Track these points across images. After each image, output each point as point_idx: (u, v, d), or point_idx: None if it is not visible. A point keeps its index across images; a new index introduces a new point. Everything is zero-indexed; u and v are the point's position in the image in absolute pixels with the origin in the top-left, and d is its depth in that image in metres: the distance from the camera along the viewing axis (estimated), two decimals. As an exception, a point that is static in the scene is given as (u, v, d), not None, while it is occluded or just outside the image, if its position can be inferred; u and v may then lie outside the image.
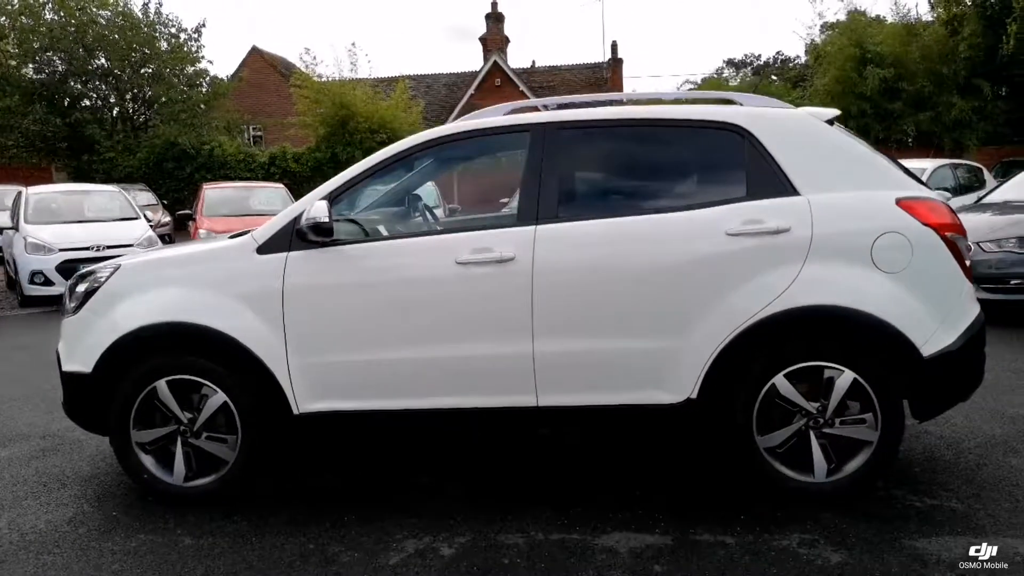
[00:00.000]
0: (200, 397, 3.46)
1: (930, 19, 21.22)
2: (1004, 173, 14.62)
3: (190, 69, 24.06)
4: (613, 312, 3.28)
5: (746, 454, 3.28)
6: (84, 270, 3.86)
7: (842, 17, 22.05)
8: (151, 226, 11.39)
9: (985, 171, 12.60)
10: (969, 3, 19.54)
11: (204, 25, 23.85)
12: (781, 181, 3.28)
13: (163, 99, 23.19)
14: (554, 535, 3.09)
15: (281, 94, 31.21)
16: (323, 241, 3.36)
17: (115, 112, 24.46)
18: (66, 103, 23.09)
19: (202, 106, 23.45)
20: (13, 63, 21.88)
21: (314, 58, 31.02)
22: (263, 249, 3.45)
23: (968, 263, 3.31)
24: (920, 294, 3.19)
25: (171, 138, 22.10)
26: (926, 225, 3.20)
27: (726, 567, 2.80)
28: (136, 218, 11.13)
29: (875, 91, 18.79)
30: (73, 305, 3.64)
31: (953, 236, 3.25)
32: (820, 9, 33.50)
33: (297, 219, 3.42)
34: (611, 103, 3.90)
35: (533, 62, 34.05)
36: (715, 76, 50.14)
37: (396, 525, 3.23)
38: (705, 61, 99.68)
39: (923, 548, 2.87)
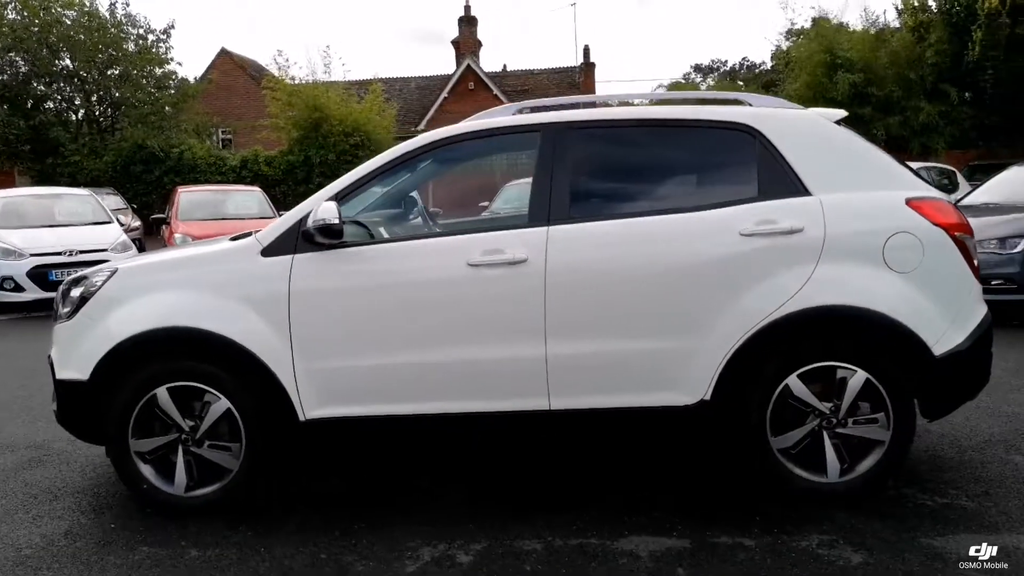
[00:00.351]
0: (202, 404, 3.36)
1: (897, 26, 21.67)
2: (971, 176, 14.93)
3: (159, 71, 23.65)
4: (626, 313, 3.26)
5: (759, 455, 3.27)
6: (76, 274, 3.73)
7: (809, 24, 22.45)
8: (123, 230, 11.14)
9: (958, 174, 12.86)
10: (935, 10, 19.96)
11: (173, 26, 23.50)
12: (792, 181, 3.28)
13: (131, 101, 22.75)
14: (572, 540, 3.05)
15: (251, 96, 30.83)
16: (330, 243, 3.29)
17: (80, 114, 23.97)
18: (29, 105, 22.58)
19: (171, 108, 23.04)
20: (-26, 64, 21.36)
21: (287, 60, 30.67)
22: (268, 251, 3.36)
23: (976, 262, 3.34)
24: (931, 294, 3.21)
25: (139, 141, 21.71)
26: (936, 225, 3.22)
27: (749, 569, 2.78)
28: (109, 222, 10.86)
29: (845, 96, 19.08)
30: (67, 310, 3.52)
31: (962, 236, 3.28)
32: (791, 16, 33.87)
33: (303, 220, 3.34)
34: (586, 105, 3.91)
35: (505, 66, 34.11)
36: (683, 80, 50.73)
37: (408, 532, 3.16)
38: (673, 66, 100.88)
39: (941, 547, 2.88)
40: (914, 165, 12.32)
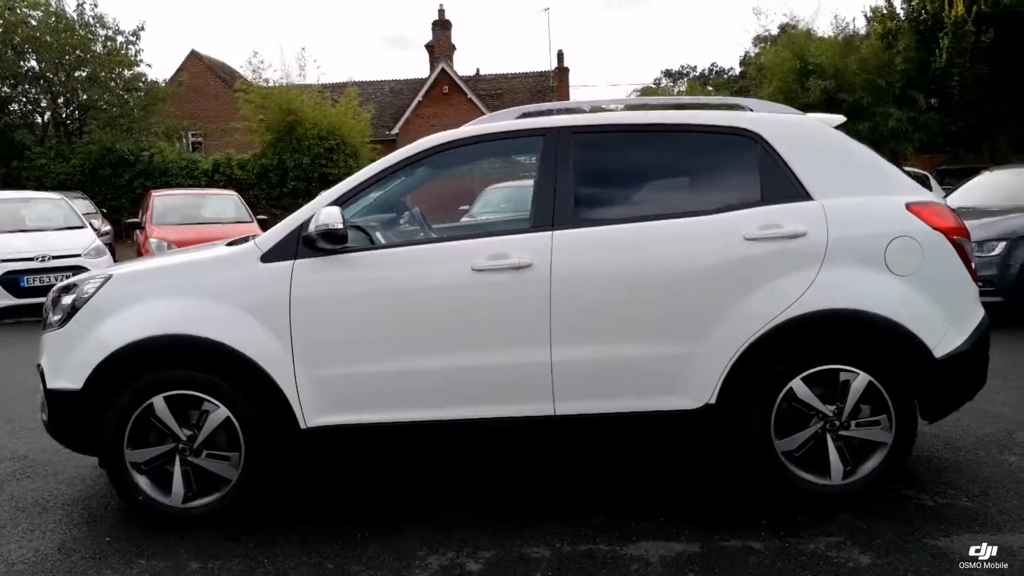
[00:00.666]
0: (200, 413, 3.29)
1: (863, 33, 22.07)
2: (941, 181, 15.23)
3: (128, 73, 23.22)
4: (631, 318, 3.26)
5: (764, 458, 3.29)
6: (66, 281, 3.64)
7: (776, 31, 22.80)
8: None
9: (931, 178, 13.11)
10: (903, 18, 20.37)
11: (143, 28, 23.04)
12: (794, 186, 3.31)
13: (100, 104, 22.31)
14: (580, 546, 3.03)
15: (222, 99, 30.45)
16: (332, 248, 3.24)
17: (47, 117, 23.45)
18: (-7, 107, 22.02)
19: (140, 111, 22.62)
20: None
21: (262, 62, 30.33)
22: (268, 257, 3.31)
23: (973, 265, 3.39)
24: (931, 297, 3.25)
25: (108, 144, 21.28)
26: (935, 229, 3.27)
27: (761, 573, 2.79)
28: (82, 227, 10.63)
29: (817, 102, 19.36)
30: (58, 318, 3.43)
31: (959, 239, 3.33)
32: (764, 23, 34.38)
33: (304, 225, 3.29)
34: (594, 109, 3.91)
35: (478, 70, 34.14)
36: (653, 85, 51.17)
37: (415, 541, 3.12)
38: (644, 71, 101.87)
39: (947, 547, 2.92)
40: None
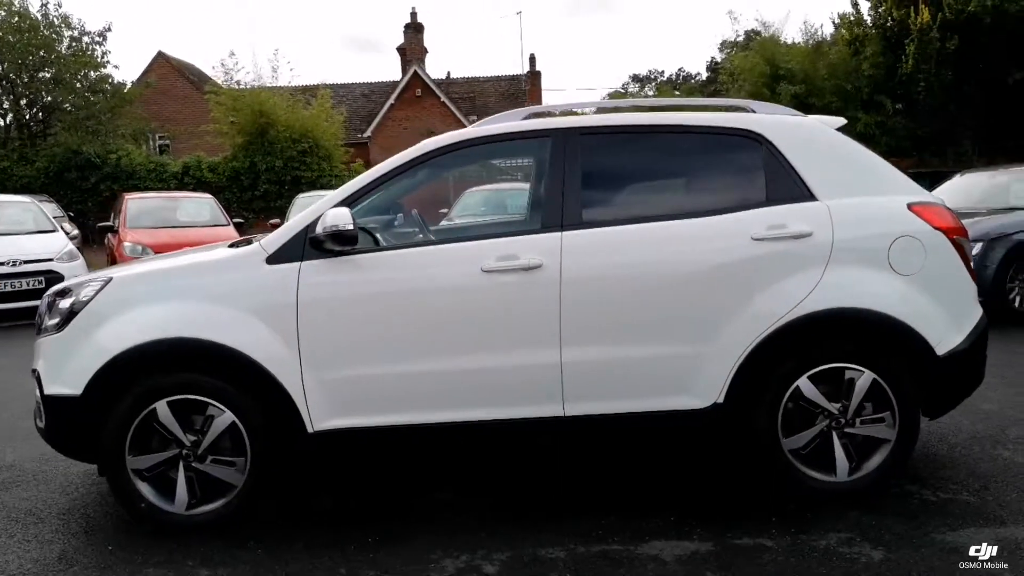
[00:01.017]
0: (205, 418, 3.23)
1: (831, 39, 22.45)
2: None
3: (94, 74, 22.77)
4: (641, 318, 3.27)
5: (771, 456, 3.31)
6: (62, 285, 3.56)
7: (742, 37, 23.15)
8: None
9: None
10: (871, 24, 20.75)
11: (109, 29, 22.64)
12: (799, 187, 3.35)
13: (65, 105, 21.84)
14: (594, 547, 3.03)
15: (189, 101, 30.01)
16: (340, 250, 3.21)
17: (9, 119, 22.91)
18: (-47, 109, 21.48)
19: (107, 113, 22.18)
20: None
21: (236, 63, 29.93)
22: (274, 259, 3.26)
23: (972, 264, 3.46)
24: (933, 295, 3.31)
25: (73, 146, 20.86)
26: (936, 229, 3.33)
27: (776, 570, 2.81)
28: (53, 231, 10.38)
29: (788, 106, 19.65)
30: (55, 322, 3.34)
31: (959, 239, 3.39)
32: (737, 27, 34.84)
33: (310, 227, 3.25)
34: (602, 109, 3.92)
35: (448, 73, 34.03)
36: (621, 90, 51.61)
37: (426, 544, 3.09)
38: (613, 75, 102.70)
39: (954, 541, 2.97)
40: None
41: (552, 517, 3.31)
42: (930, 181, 9.04)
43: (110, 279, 3.32)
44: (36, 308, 3.70)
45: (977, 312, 3.47)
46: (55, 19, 21.85)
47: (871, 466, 3.32)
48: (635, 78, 58.37)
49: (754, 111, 3.59)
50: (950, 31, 18.64)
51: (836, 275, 3.25)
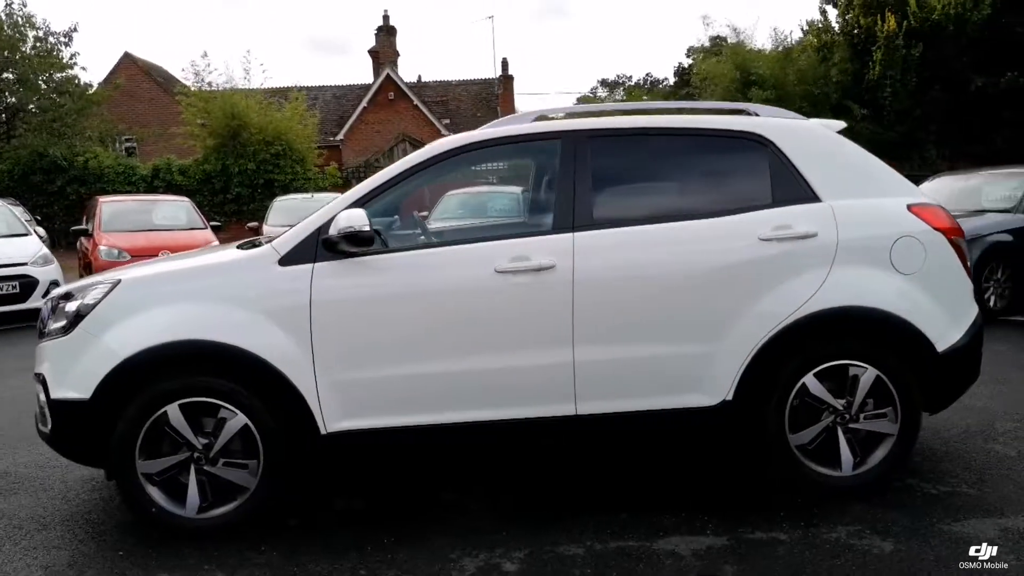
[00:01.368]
0: (217, 421, 3.20)
1: (800, 46, 22.86)
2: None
3: (59, 75, 22.30)
4: (652, 317, 3.32)
5: (779, 452, 3.38)
6: (62, 289, 3.50)
7: (707, 43, 23.47)
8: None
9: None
10: (838, 32, 21.19)
11: (76, 29, 22.18)
12: (803, 188, 3.43)
13: (30, 107, 21.37)
14: (611, 543, 3.07)
15: (157, 103, 29.58)
16: (354, 251, 3.21)
17: (-30, 120, 22.37)
18: (-87, 110, 20.90)
19: (74, 115, 21.74)
20: None
21: (208, 65, 29.53)
22: (286, 260, 3.25)
23: (968, 263, 3.57)
24: (932, 293, 3.41)
25: (39, 149, 20.43)
26: (935, 229, 3.43)
27: (792, 562, 2.87)
28: (27, 234, 10.15)
29: (760, 111, 19.95)
30: (60, 325, 3.29)
31: (956, 239, 3.50)
32: (710, 31, 35.31)
33: (323, 228, 3.25)
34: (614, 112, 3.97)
35: (419, 76, 33.96)
36: (590, 95, 51.99)
37: (444, 544, 3.10)
38: (582, 80, 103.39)
39: (960, 531, 3.06)
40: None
41: (565, 515, 3.33)
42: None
43: (119, 281, 3.28)
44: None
45: (974, 309, 3.58)
46: (19, 19, 21.38)
47: (874, 460, 3.40)
48: (603, 83, 58.89)
49: (757, 114, 3.66)
50: (915, 39, 19.14)
51: (841, 274, 3.33)
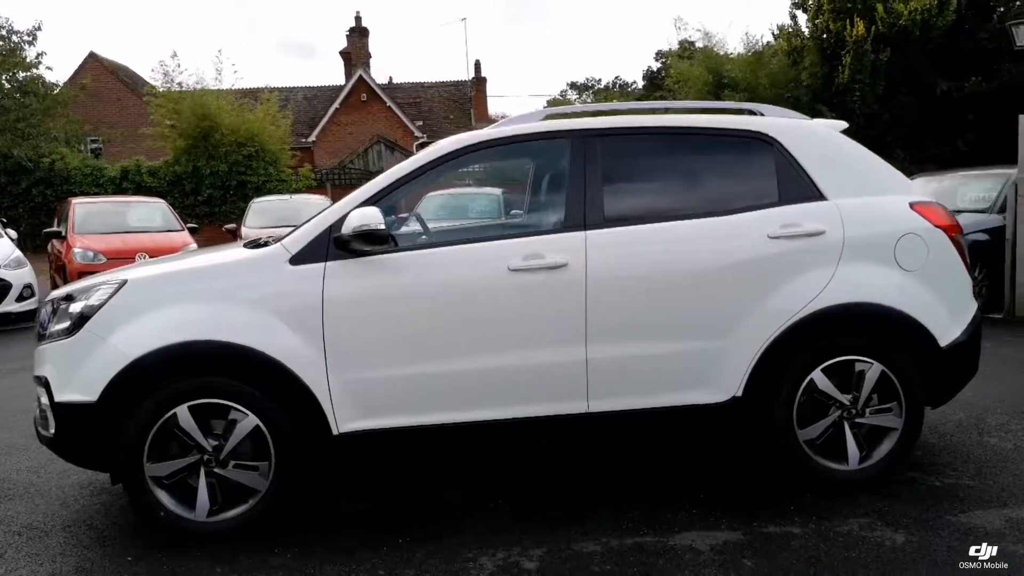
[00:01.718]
0: (227, 422, 3.15)
1: (771, 50, 23.19)
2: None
3: (23, 75, 21.77)
4: (664, 315, 3.34)
5: (787, 447, 3.42)
6: (64, 290, 3.42)
7: (676, 46, 23.74)
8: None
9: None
10: (808, 36, 21.51)
11: (40, 28, 21.67)
12: (810, 187, 3.48)
13: (-5, 107, 20.86)
14: (627, 540, 3.08)
15: (123, 104, 29.10)
16: (367, 250, 3.19)
17: (-69, 121, 21.73)
18: None
19: (40, 116, 21.23)
20: None
21: (179, 65, 29.01)
22: (297, 259, 3.21)
23: (968, 261, 3.65)
24: (935, 290, 3.48)
25: (3, 150, 19.94)
26: (937, 226, 3.51)
27: (807, 555, 2.90)
28: (-1, 237, 9.93)
29: (731, 114, 20.18)
30: (63, 327, 3.21)
31: (956, 236, 3.57)
32: (683, 34, 35.70)
33: (334, 226, 3.22)
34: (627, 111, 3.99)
35: (391, 78, 33.84)
36: (559, 97, 52.19)
37: (461, 543, 3.09)
38: (552, 82, 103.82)
39: (967, 522, 3.12)
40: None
41: (579, 513, 3.34)
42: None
43: (124, 282, 3.21)
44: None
45: (973, 306, 3.66)
46: (-20, 17, 20.86)
47: (880, 454, 3.46)
48: (573, 85, 59.13)
49: (763, 114, 3.71)
50: (883, 43, 19.47)
51: (847, 271, 3.39)
